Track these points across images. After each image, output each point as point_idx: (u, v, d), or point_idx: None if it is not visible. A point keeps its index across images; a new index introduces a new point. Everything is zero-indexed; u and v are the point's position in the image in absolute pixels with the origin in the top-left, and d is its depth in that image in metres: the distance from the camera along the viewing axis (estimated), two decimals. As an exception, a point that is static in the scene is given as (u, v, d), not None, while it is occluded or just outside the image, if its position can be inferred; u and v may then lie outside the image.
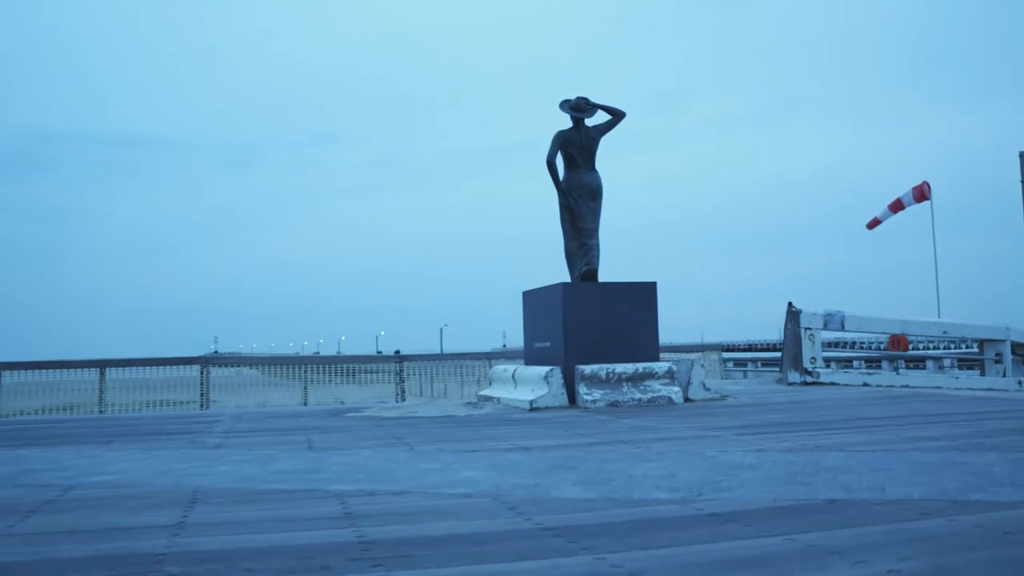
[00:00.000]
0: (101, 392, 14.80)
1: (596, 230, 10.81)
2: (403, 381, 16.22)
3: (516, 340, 20.78)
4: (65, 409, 15.10)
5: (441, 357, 18.01)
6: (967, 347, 16.66)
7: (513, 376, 10.67)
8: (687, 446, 5.60)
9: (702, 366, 10.37)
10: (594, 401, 9.53)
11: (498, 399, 10.53)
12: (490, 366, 15.22)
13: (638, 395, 9.69)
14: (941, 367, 19.74)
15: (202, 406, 15.10)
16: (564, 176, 10.80)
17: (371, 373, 17.36)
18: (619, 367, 9.78)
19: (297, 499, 3.89)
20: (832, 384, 12.77)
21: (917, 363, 20.76)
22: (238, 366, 17.11)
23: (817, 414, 7.87)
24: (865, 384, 12.98)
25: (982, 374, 14.23)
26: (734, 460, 4.78)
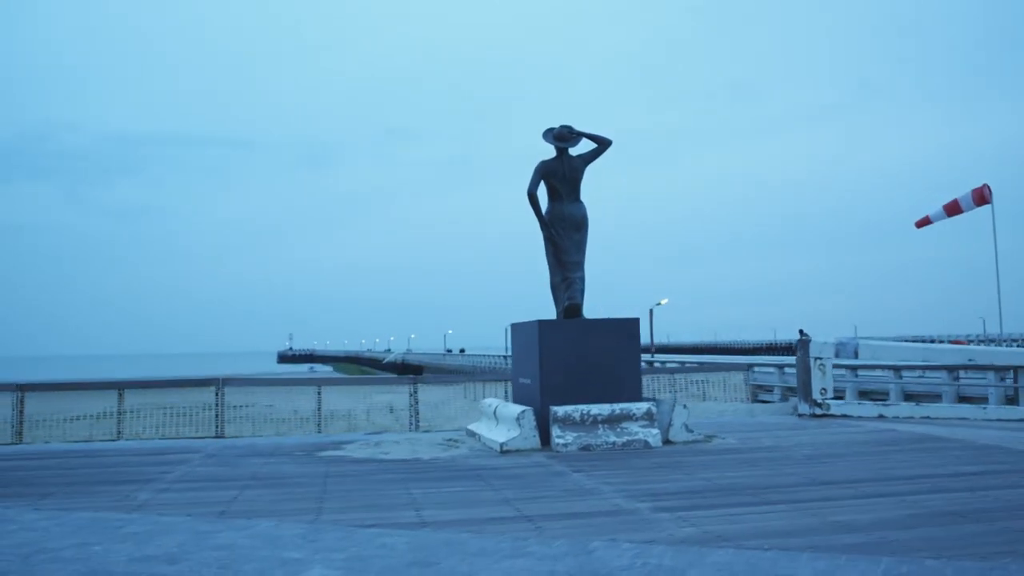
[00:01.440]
0: (119, 414, 15.15)
1: (581, 263, 10.48)
2: (417, 403, 16.11)
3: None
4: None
5: (455, 381, 17.91)
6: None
7: (495, 413, 10.43)
8: (585, 528, 5.30)
9: (684, 407, 9.95)
10: (566, 445, 9.23)
11: (479, 436, 10.33)
12: (509, 385, 15.04)
13: (613, 438, 9.35)
14: (1003, 378, 18.62)
15: (216, 427, 15.32)
16: (547, 208, 10.50)
17: (387, 394, 17.34)
18: (594, 408, 9.45)
19: (99, 614, 3.76)
20: (843, 417, 12.16)
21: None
22: (254, 385, 17.27)
23: (778, 472, 7.43)
24: (880, 416, 12.32)
25: (1016, 402, 13.35)
26: (603, 562, 4.47)
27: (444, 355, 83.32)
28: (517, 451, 9.23)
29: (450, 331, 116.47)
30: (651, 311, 50.65)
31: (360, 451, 9.68)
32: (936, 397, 17.11)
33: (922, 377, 21.28)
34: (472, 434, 10.70)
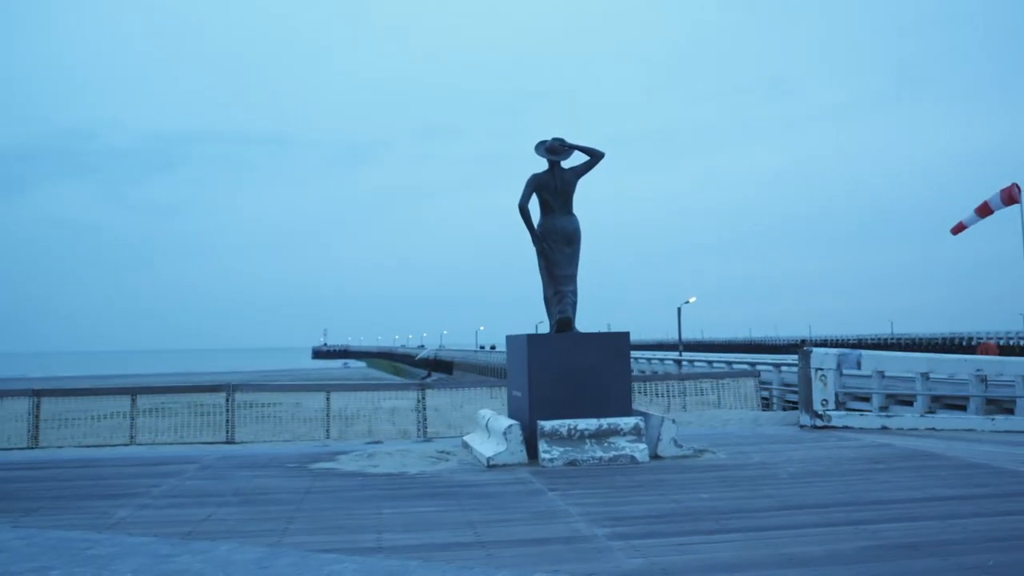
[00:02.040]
0: (132, 419, 15.48)
1: (573, 276, 10.48)
2: (425, 409, 16.24)
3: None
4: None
5: (464, 385, 18.01)
6: None
7: (487, 425, 10.48)
8: (535, 557, 5.33)
9: (673, 421, 9.90)
10: (552, 460, 9.25)
11: (471, 449, 10.38)
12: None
13: (600, 453, 9.35)
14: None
15: (227, 433, 15.58)
16: (539, 221, 10.51)
17: (396, 400, 17.47)
18: (582, 423, 9.46)
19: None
20: (844, 428, 12.02)
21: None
22: (264, 391, 17.54)
23: (754, 494, 7.38)
24: (883, 428, 12.17)
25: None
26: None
27: (476, 352, 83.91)
28: (504, 466, 9.27)
29: (482, 328, 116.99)
30: (679, 309, 50.40)
31: (351, 463, 9.78)
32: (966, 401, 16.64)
33: (948, 380, 20.80)
34: (466, 446, 10.76)
